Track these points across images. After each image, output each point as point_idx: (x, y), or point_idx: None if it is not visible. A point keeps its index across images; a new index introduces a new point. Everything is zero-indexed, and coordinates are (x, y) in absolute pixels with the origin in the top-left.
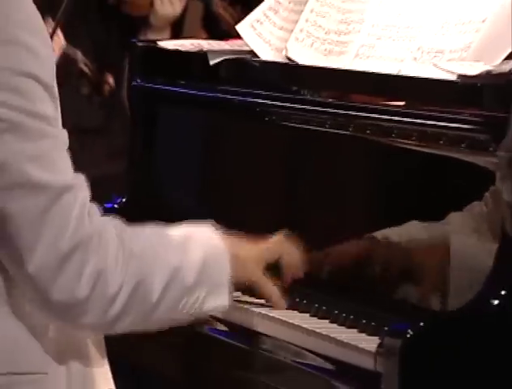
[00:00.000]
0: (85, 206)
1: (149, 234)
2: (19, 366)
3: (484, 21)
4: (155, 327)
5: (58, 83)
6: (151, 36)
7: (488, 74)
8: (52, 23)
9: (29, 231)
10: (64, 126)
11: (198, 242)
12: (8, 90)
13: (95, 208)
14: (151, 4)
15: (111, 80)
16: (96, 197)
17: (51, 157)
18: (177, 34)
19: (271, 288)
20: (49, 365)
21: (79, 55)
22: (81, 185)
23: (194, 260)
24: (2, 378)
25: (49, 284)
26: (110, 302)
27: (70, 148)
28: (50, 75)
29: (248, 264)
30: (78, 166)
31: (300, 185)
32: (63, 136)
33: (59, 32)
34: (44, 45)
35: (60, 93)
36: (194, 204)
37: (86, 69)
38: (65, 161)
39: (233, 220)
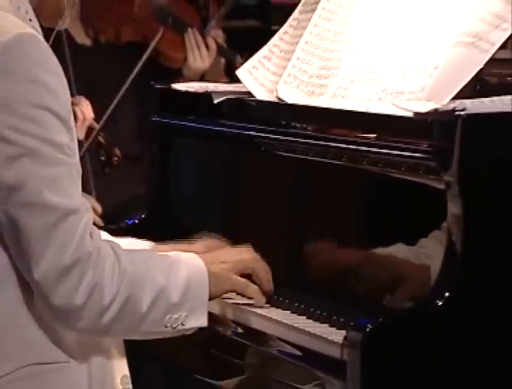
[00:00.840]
0: (87, 227)
1: (141, 256)
2: (44, 358)
3: (436, 68)
4: (144, 338)
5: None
6: None
7: (436, 112)
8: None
9: (38, 243)
10: None
11: (183, 264)
12: (27, 120)
13: (96, 230)
14: (185, 59)
15: (118, 153)
16: (128, 213)
17: (63, 182)
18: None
19: (251, 289)
20: (72, 355)
21: (98, 128)
22: (86, 210)
23: (179, 281)
24: (30, 368)
25: (51, 290)
26: (104, 311)
27: (113, 172)
28: (66, 110)
29: (223, 277)
30: (114, 188)
31: (289, 203)
32: (76, 165)
33: (89, 107)
34: (61, 84)
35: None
36: (201, 219)
37: (102, 140)
38: (75, 187)
39: (235, 233)
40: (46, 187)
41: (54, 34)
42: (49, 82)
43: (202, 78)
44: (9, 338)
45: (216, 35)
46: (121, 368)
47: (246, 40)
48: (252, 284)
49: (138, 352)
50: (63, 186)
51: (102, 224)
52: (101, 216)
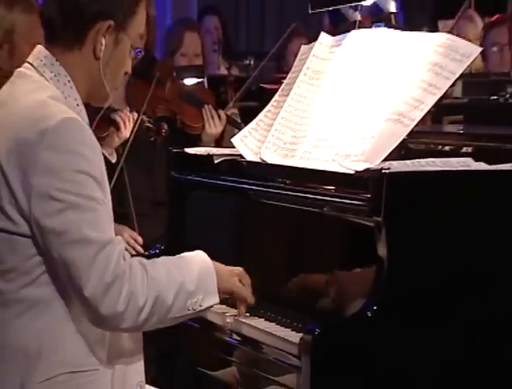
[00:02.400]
0: (121, 253)
1: (161, 261)
2: (79, 367)
3: (372, 137)
4: (173, 323)
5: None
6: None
7: (369, 170)
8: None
9: (84, 270)
10: (145, 200)
11: (194, 261)
12: (71, 182)
13: (126, 253)
14: (203, 127)
15: (166, 126)
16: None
17: (98, 221)
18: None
19: (246, 293)
20: (101, 363)
21: (145, 118)
22: (119, 241)
23: (193, 274)
24: (66, 375)
25: (99, 303)
26: (140, 311)
27: (145, 214)
28: (100, 173)
29: (225, 275)
30: (150, 227)
31: (272, 239)
32: (109, 211)
33: (128, 110)
34: (96, 153)
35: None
36: (206, 250)
37: (150, 125)
38: (109, 224)
39: (233, 259)
40: (85, 226)
41: (103, 111)
42: (86, 153)
43: (218, 143)
44: (52, 349)
45: (231, 112)
46: (137, 372)
47: (250, 116)
48: (244, 289)
49: (171, 351)
50: (99, 224)
51: (143, 252)
52: (142, 246)
